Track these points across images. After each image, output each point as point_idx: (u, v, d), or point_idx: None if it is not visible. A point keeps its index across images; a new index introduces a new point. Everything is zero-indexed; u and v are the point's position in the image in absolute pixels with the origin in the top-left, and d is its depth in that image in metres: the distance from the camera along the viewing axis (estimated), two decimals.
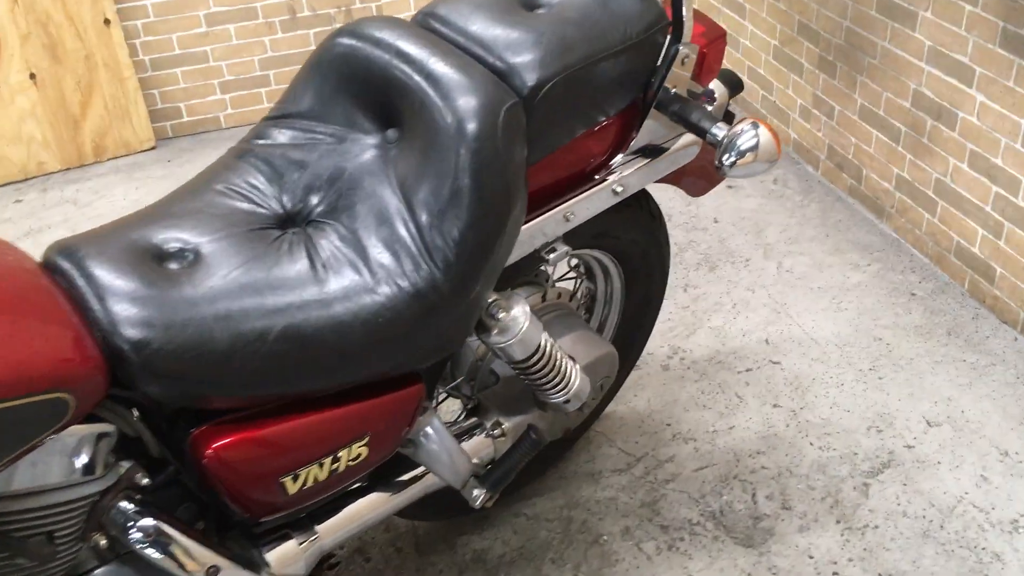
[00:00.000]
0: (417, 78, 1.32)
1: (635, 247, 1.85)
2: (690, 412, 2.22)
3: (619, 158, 1.59)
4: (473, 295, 1.31)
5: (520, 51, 1.38)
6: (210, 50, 3.49)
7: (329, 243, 1.28)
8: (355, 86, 1.38)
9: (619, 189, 1.59)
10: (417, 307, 1.26)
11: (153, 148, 3.53)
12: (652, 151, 1.63)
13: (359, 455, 1.32)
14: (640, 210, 1.79)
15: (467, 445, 1.63)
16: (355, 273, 1.26)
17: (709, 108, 1.83)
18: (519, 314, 1.46)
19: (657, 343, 2.43)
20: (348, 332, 1.23)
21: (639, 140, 1.60)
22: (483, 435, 1.65)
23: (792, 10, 3.02)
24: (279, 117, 1.43)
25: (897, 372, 2.29)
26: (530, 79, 1.36)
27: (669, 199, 2.93)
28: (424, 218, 1.27)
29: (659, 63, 1.54)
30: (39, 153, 3.36)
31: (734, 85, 1.86)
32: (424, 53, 1.34)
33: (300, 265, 1.25)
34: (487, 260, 1.30)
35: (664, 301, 2.48)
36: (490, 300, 1.43)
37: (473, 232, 1.27)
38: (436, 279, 1.26)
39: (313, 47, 3.58)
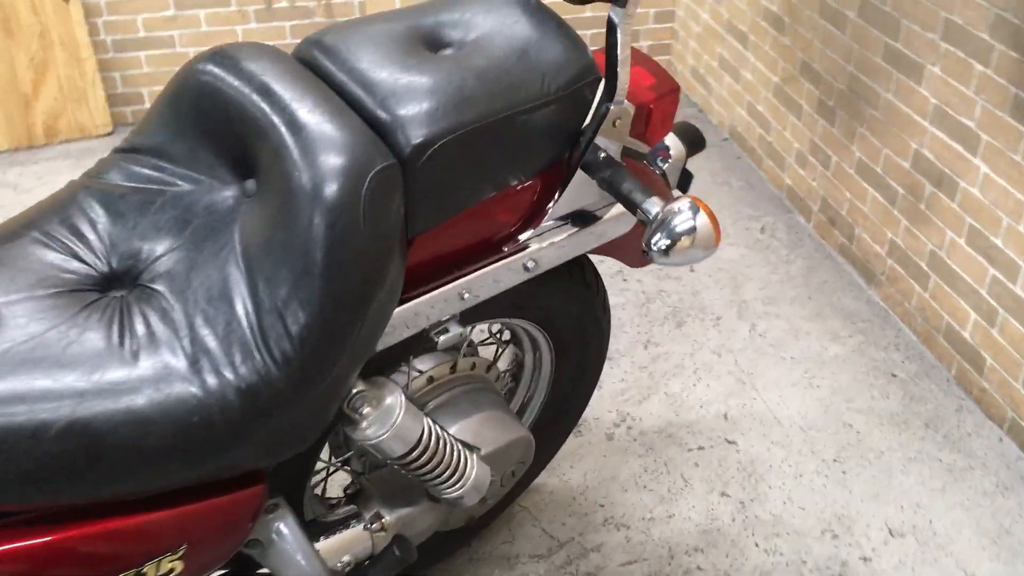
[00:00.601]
0: (277, 122, 1.10)
1: (565, 318, 1.63)
2: (628, 493, 1.99)
3: (539, 226, 1.35)
4: (320, 391, 1.08)
5: (408, 102, 1.15)
6: (177, 35, 3.28)
7: (149, 316, 1.06)
8: (212, 124, 1.16)
9: (531, 264, 1.36)
10: (242, 405, 1.04)
11: (110, 134, 3.32)
12: (581, 219, 1.41)
13: (171, 570, 1.10)
14: (571, 280, 1.56)
15: (338, 539, 1.41)
16: (171, 357, 1.03)
17: (664, 165, 1.61)
18: (390, 407, 1.24)
19: (606, 406, 2.20)
20: (152, 430, 1.01)
21: (566, 205, 1.38)
22: (360, 527, 1.43)
23: (795, 46, 2.77)
24: (129, 150, 1.22)
25: (864, 467, 2.05)
26: (414, 137, 1.13)
27: None
28: (264, 298, 1.05)
29: (587, 122, 1.32)
30: None
31: (695, 142, 1.63)
32: (290, 94, 1.12)
33: (104, 342, 1.03)
34: (339, 351, 1.08)
35: (621, 359, 2.26)
36: (355, 390, 1.21)
37: (321, 321, 1.05)
38: (270, 374, 1.04)
39: (290, 40, 3.37)
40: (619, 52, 1.26)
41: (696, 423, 2.16)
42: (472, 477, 1.42)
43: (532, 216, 1.36)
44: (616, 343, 2.38)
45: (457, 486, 1.41)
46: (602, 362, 1.80)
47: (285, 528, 1.27)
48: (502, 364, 1.82)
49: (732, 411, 2.20)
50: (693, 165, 3.11)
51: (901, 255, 2.42)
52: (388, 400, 1.24)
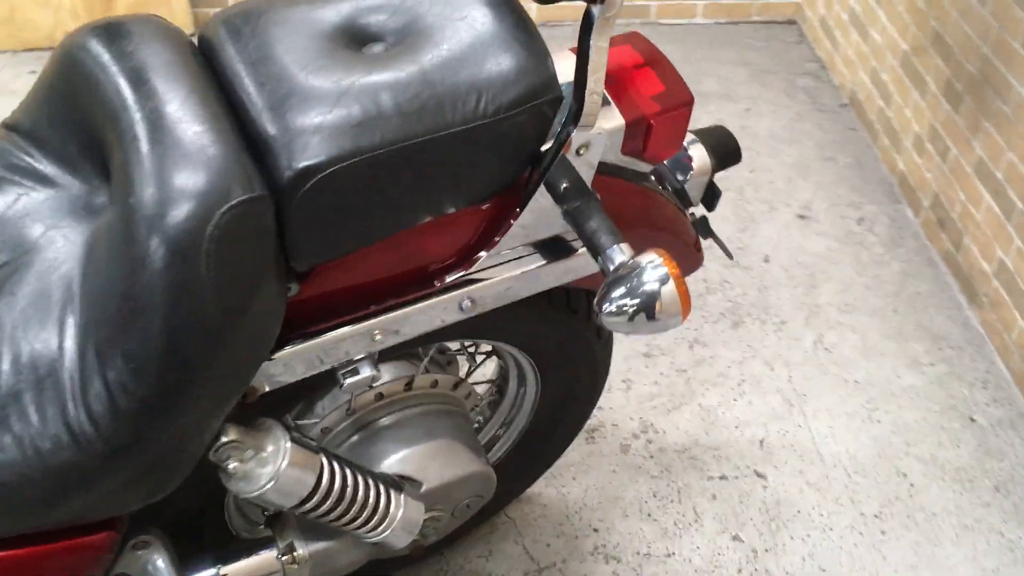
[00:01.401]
0: (135, 121, 0.92)
1: (545, 342, 1.41)
2: (629, 520, 1.79)
3: (481, 259, 1.13)
4: (147, 451, 0.92)
5: (301, 114, 0.94)
6: None
7: None
8: (82, 112, 0.99)
9: (467, 304, 1.14)
10: (50, 467, 0.89)
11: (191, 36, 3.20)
12: (549, 251, 1.18)
13: None
14: (551, 305, 1.34)
15: (246, 564, 1.27)
16: None
17: (684, 179, 1.35)
18: (269, 459, 1.07)
19: (630, 411, 1.98)
20: None
21: (531, 233, 1.15)
22: (272, 555, 1.29)
23: (930, 12, 2.37)
24: (11, 127, 1.06)
25: (909, 528, 1.78)
26: (294, 162, 0.92)
27: (718, 214, 2.42)
28: (89, 341, 0.89)
29: (549, 146, 1.07)
30: (67, 22, 3.10)
31: (726, 153, 1.36)
32: (163, 87, 0.93)
33: None
34: (177, 406, 0.91)
35: (660, 358, 2.03)
36: (224, 439, 1.04)
37: (149, 375, 0.88)
38: (86, 433, 0.88)
39: None
40: (591, 61, 1.01)
41: (726, 446, 1.92)
42: (397, 519, 1.26)
43: (478, 247, 1.13)
44: (659, 338, 2.14)
45: (378, 530, 1.25)
46: (598, 391, 1.58)
47: (157, 565, 1.14)
48: (486, 378, 1.63)
49: (770, 437, 1.94)
50: (796, 130, 2.77)
51: (1008, 278, 2.06)
52: (268, 450, 1.07)
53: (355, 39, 1.04)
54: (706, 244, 1.43)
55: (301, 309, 1.05)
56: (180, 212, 0.86)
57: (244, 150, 0.92)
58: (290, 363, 1.06)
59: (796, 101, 2.92)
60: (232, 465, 1.04)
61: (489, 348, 1.52)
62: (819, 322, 2.20)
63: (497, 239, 1.12)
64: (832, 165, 2.67)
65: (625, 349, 2.11)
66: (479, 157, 1.01)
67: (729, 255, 1.44)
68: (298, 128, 0.93)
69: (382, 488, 1.24)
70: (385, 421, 1.35)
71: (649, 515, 1.80)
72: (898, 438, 1.95)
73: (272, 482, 1.07)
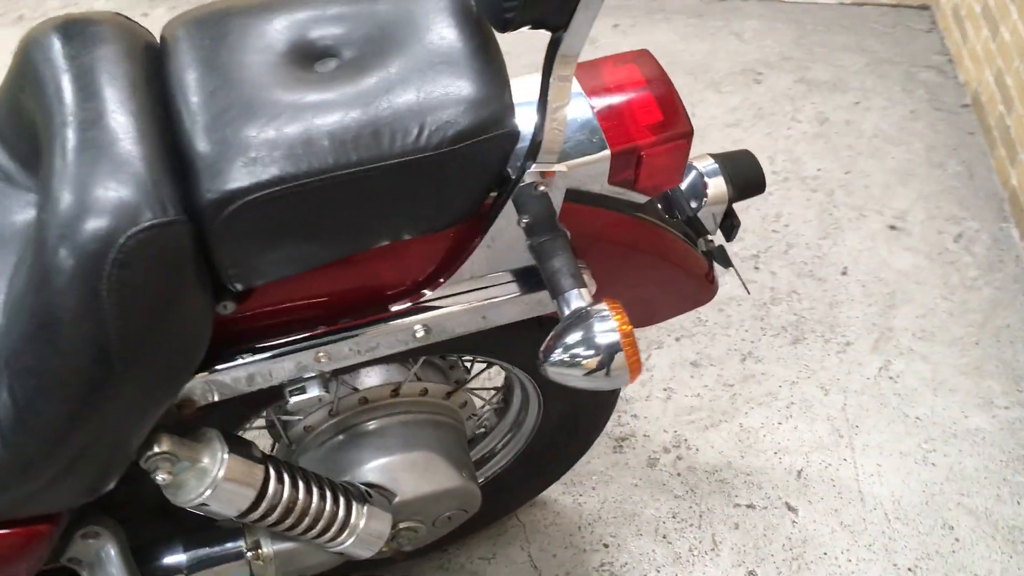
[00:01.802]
0: (66, 124, 0.91)
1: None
2: (642, 539, 1.73)
3: (441, 285, 1.08)
4: (67, 460, 0.93)
5: (231, 135, 0.91)
6: None
7: None
8: (31, 110, 0.99)
9: (420, 333, 1.10)
10: None
11: None
12: (523, 281, 1.12)
13: None
14: (542, 330, 1.27)
15: (209, 552, 1.28)
16: None
17: (696, 205, 1.26)
18: (205, 471, 1.06)
19: (664, 423, 1.91)
20: None
21: (498, 263, 1.09)
22: (240, 548, 1.30)
23: None
24: None
25: None
26: (214, 187, 0.89)
27: (798, 215, 2.28)
28: (1, 351, 0.89)
29: (510, 179, 1.01)
30: None
31: (747, 185, 1.26)
32: (99, 91, 0.92)
33: None
34: (83, 422, 0.91)
35: (708, 368, 1.94)
36: (156, 449, 1.03)
37: (51, 393, 0.88)
38: None
39: None
40: (550, 93, 0.93)
41: (760, 473, 1.83)
42: (359, 530, 1.24)
43: (436, 274, 1.08)
44: (711, 346, 2.04)
45: (336, 540, 1.23)
46: (605, 417, 1.52)
47: (108, 553, 1.16)
48: (491, 385, 1.58)
49: (810, 468, 1.83)
50: (907, 130, 2.56)
51: None
52: (204, 462, 1.07)
53: (309, 53, 0.99)
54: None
55: (243, 325, 1.03)
56: (86, 233, 0.84)
57: (168, 169, 0.89)
58: (230, 379, 1.05)
59: (913, 97, 2.70)
60: (160, 476, 1.03)
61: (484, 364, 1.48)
62: (889, 347, 2.05)
63: (455, 268, 1.07)
64: (939, 172, 2.47)
65: (672, 355, 2.02)
66: (422, 189, 0.96)
67: (747, 289, 1.34)
68: (226, 148, 0.90)
69: (341, 500, 1.22)
70: (368, 426, 1.33)
71: (664, 537, 1.73)
72: (951, 486, 1.80)
73: (207, 493, 1.06)
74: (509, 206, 1.01)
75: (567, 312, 0.98)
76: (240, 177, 0.88)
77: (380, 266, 1.05)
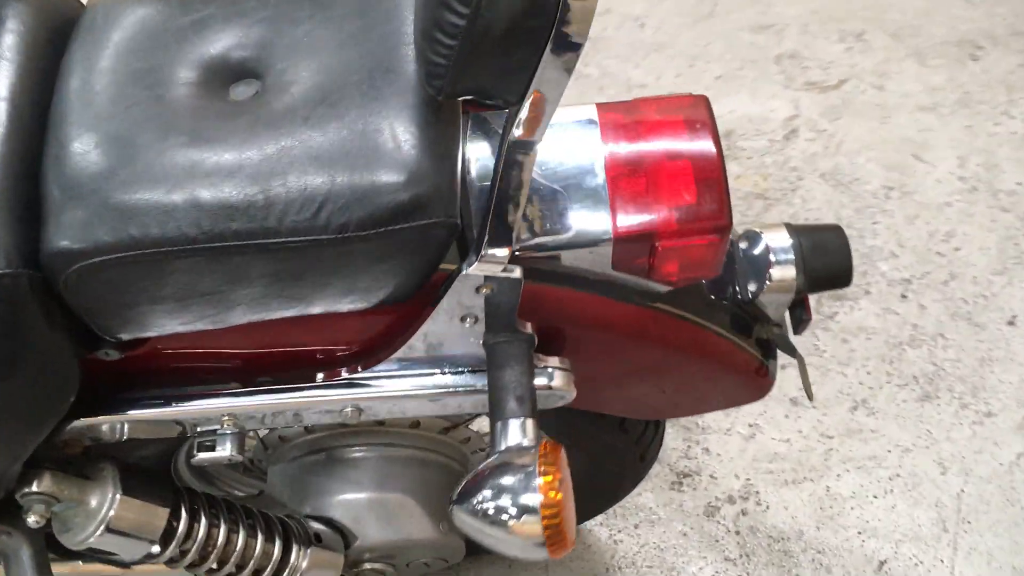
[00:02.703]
0: None
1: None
2: None
3: (380, 362, 0.88)
4: None
5: (88, 177, 0.73)
6: None
7: None
8: None
9: (349, 411, 0.91)
10: None
11: None
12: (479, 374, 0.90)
13: None
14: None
15: None
16: None
17: (754, 289, 1.00)
18: (93, 514, 0.94)
19: (738, 466, 1.66)
20: None
21: (443, 352, 0.88)
22: None
23: None
24: None
25: None
26: (54, 242, 0.72)
27: (968, 234, 1.90)
28: None
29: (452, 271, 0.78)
30: None
31: (825, 277, 0.98)
32: None
33: None
34: None
35: (806, 412, 1.68)
36: (34, 489, 0.91)
37: None
38: None
39: None
40: (501, 180, 0.70)
41: (834, 553, 1.56)
42: (299, 573, 1.10)
43: (373, 350, 0.88)
44: (819, 384, 1.74)
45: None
46: (620, 496, 1.30)
47: (20, 554, 1.07)
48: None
49: (896, 563, 1.55)
50: None
51: None
52: (92, 504, 0.94)
53: (228, 70, 0.79)
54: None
55: (137, 368, 0.88)
56: None
57: (19, 209, 0.73)
58: (107, 428, 0.90)
59: None
60: (31, 519, 0.92)
61: None
62: None
63: (396, 347, 0.86)
64: None
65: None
66: (322, 272, 0.75)
67: (810, 395, 1.07)
68: (82, 195, 0.73)
69: (278, 541, 1.08)
70: (345, 453, 1.17)
71: None
72: None
73: (92, 538, 0.94)
74: (447, 301, 0.79)
75: (500, 447, 0.76)
76: (84, 237, 0.72)
77: (303, 331, 0.86)
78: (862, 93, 2.23)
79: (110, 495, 0.94)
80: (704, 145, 0.83)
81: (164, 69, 0.78)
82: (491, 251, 0.74)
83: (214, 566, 1.04)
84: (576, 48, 0.64)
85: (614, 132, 0.85)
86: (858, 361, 1.78)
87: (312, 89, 0.76)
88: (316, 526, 1.14)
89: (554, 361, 0.87)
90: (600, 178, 0.83)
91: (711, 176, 0.82)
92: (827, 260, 0.97)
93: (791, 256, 0.96)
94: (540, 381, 0.86)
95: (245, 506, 1.08)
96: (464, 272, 0.76)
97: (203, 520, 1.02)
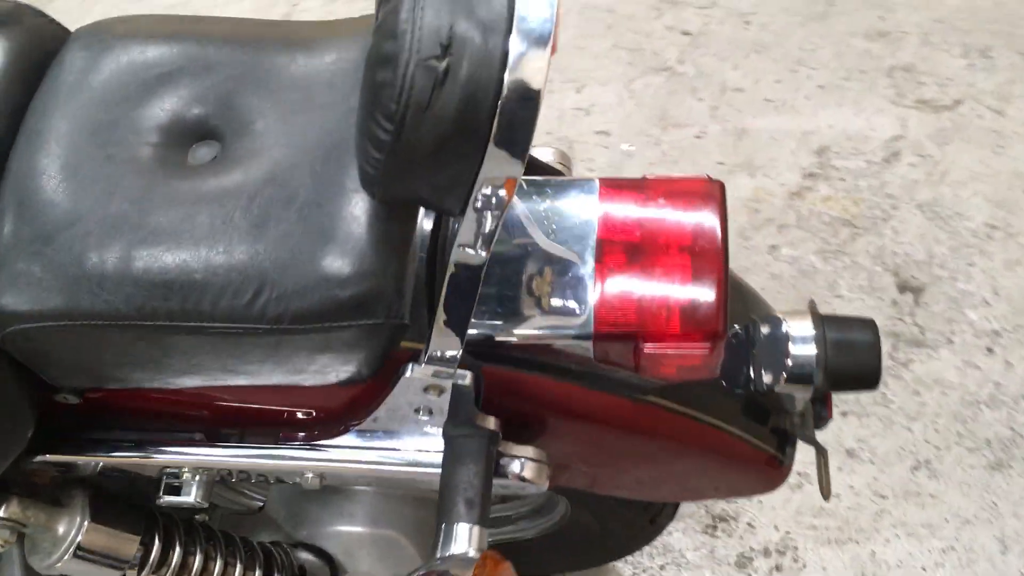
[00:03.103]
0: None
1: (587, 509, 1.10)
2: None
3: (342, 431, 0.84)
4: None
5: (27, 235, 0.71)
6: None
7: None
8: None
9: (310, 478, 0.87)
10: None
11: None
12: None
13: None
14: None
15: None
16: None
17: (769, 380, 0.92)
18: (58, 539, 0.93)
19: (779, 517, 1.57)
20: None
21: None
22: None
23: None
24: None
25: None
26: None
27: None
28: None
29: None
30: None
31: (847, 379, 0.90)
32: None
33: None
34: None
35: (860, 467, 1.59)
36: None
37: None
38: None
39: None
40: (444, 287, 0.64)
41: None
42: None
43: (335, 421, 0.84)
44: (881, 437, 1.63)
45: None
46: (634, 548, 1.24)
47: (10, 553, 1.09)
48: None
49: None
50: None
51: None
52: (60, 532, 0.93)
53: (192, 128, 0.75)
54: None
55: (100, 410, 0.86)
56: None
57: None
58: (78, 462, 0.90)
59: None
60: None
61: None
62: None
63: (359, 419, 0.82)
64: None
65: (827, 433, 1.64)
66: (259, 357, 0.71)
67: (825, 495, 0.98)
68: (16, 254, 0.70)
69: (258, 572, 1.07)
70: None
71: None
72: None
73: (59, 564, 0.94)
74: (396, 396, 0.74)
75: (442, 552, 0.72)
76: (20, 298, 0.69)
77: (268, 393, 0.83)
78: (978, 117, 2.05)
79: (78, 521, 0.94)
80: (709, 241, 0.75)
81: (127, 123, 0.74)
82: (438, 354, 0.69)
83: None
84: (518, 159, 0.58)
85: (613, 214, 0.77)
86: (928, 416, 1.66)
87: (267, 162, 0.71)
88: (304, 556, 1.12)
89: (527, 451, 0.82)
90: (589, 265, 0.76)
91: (710, 277, 0.75)
92: (852, 359, 0.87)
93: (812, 350, 0.87)
94: (513, 469, 0.81)
95: (227, 533, 1.06)
96: (406, 376, 0.71)
97: (177, 547, 1.00)
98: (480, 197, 0.60)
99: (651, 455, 0.90)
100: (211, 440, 0.87)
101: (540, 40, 0.56)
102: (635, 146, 2.08)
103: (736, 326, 0.90)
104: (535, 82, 0.57)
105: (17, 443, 0.84)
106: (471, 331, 0.73)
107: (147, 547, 0.99)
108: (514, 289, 0.76)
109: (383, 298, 0.68)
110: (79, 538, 0.94)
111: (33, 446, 0.85)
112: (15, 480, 0.89)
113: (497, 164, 0.57)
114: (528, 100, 0.57)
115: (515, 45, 0.57)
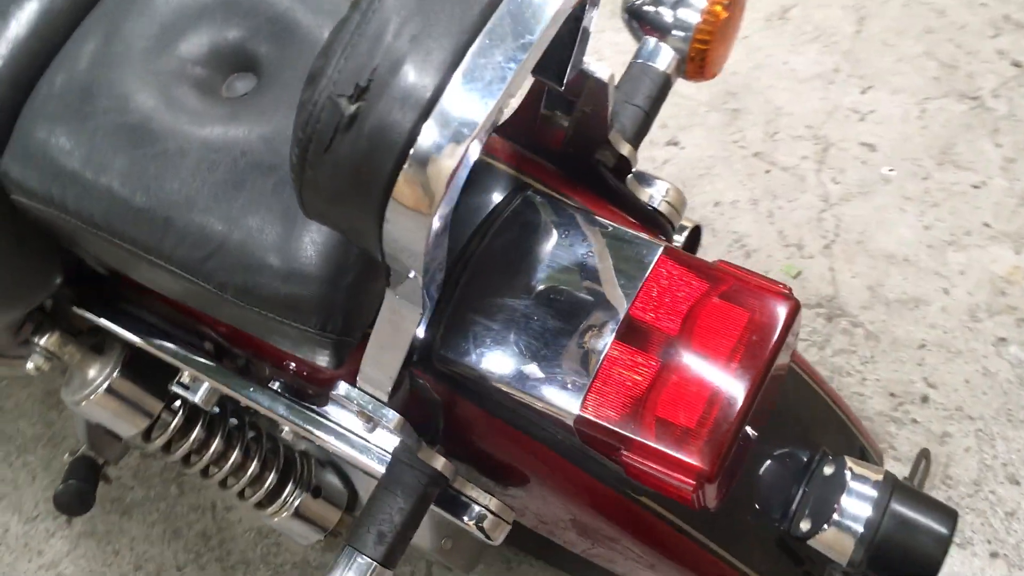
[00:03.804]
0: None
1: None
2: None
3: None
4: None
5: (45, 121, 0.73)
6: None
7: None
8: None
9: (287, 431, 0.84)
10: None
11: None
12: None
13: None
14: None
15: None
16: None
17: (804, 533, 0.80)
18: (87, 381, 0.97)
19: None
20: None
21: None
22: None
23: None
24: None
25: None
26: (3, 162, 0.71)
27: None
28: None
29: None
30: None
31: (892, 566, 0.76)
32: None
33: None
34: None
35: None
36: (35, 340, 0.95)
37: None
38: None
39: None
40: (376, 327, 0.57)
41: None
42: (290, 510, 1.09)
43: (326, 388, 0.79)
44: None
45: (269, 511, 1.10)
46: None
47: None
48: None
49: None
50: None
51: None
52: (90, 375, 0.97)
53: (231, 57, 0.69)
54: None
55: (129, 289, 0.87)
56: None
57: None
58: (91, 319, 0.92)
59: None
60: (29, 364, 0.96)
61: None
62: None
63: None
64: None
65: (968, 566, 1.43)
66: (216, 311, 0.67)
67: None
68: (38, 132, 0.72)
69: (273, 474, 1.07)
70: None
71: None
72: None
73: (83, 403, 0.98)
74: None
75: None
76: (24, 172, 0.70)
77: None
78: None
79: (108, 371, 0.97)
80: (742, 376, 0.62)
81: (175, 42, 0.71)
82: (368, 386, 0.62)
83: (202, 467, 1.05)
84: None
85: (658, 292, 0.65)
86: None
87: (275, 119, 0.65)
88: (327, 477, 1.11)
89: (491, 502, 0.74)
90: (607, 338, 0.65)
91: (723, 418, 0.61)
92: (906, 548, 0.72)
93: (856, 524, 0.72)
94: (470, 515, 0.74)
95: (258, 427, 1.07)
96: (335, 393, 0.64)
97: (199, 428, 1.02)
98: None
99: (623, 551, 0.79)
100: (219, 354, 0.86)
101: (456, 136, 0.47)
102: (897, 172, 1.83)
103: (801, 452, 0.76)
104: (437, 179, 0.48)
105: (42, 287, 0.86)
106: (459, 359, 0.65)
107: (168, 417, 1.01)
108: (522, 329, 0.67)
109: (321, 308, 0.61)
110: (103, 386, 0.97)
111: (73, 297, 0.88)
112: (61, 319, 0.93)
113: (401, 231, 0.48)
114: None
115: (429, 131, 0.48)
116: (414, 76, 0.47)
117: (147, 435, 1.02)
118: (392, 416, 0.66)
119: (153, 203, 0.66)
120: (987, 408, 1.56)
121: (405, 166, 0.47)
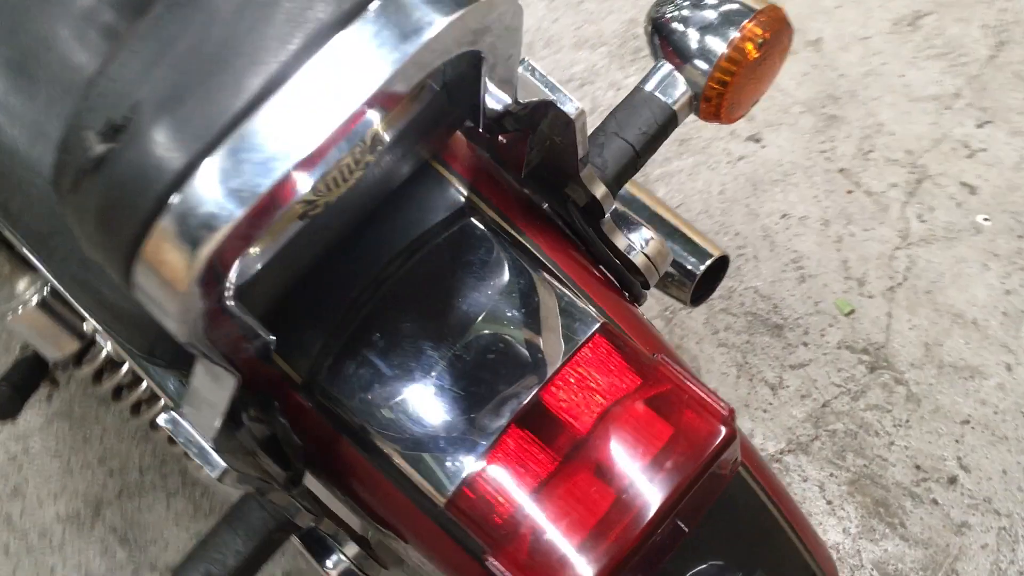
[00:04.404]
0: None
1: None
2: None
3: None
4: None
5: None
6: None
7: None
8: None
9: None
10: None
11: None
12: None
13: None
14: None
15: None
16: None
17: None
18: (8, 296, 0.90)
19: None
20: None
21: None
22: None
23: None
24: None
25: None
26: None
27: None
28: None
29: None
30: None
31: None
32: None
33: None
34: None
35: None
36: None
37: None
38: None
39: None
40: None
41: None
42: None
43: None
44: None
45: None
46: None
47: None
48: None
49: None
50: None
51: None
52: (19, 288, 0.90)
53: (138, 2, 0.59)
54: None
55: None
56: None
57: None
58: None
59: None
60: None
61: None
62: None
63: None
64: None
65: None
66: None
67: None
68: None
69: None
70: None
71: None
72: None
73: (7, 318, 0.92)
74: None
75: None
76: None
77: None
78: None
79: (37, 286, 0.91)
80: (643, 506, 0.51)
81: None
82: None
83: (132, 405, 1.00)
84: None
85: (573, 379, 0.55)
86: None
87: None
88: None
89: (354, 552, 0.65)
90: (501, 423, 0.55)
91: (610, 548, 0.51)
92: None
93: None
94: (332, 562, 0.66)
95: None
96: (160, 422, 0.55)
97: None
98: None
99: None
100: None
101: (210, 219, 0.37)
102: (993, 223, 1.65)
103: (731, 572, 0.66)
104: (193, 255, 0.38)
105: None
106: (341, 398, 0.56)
107: (102, 342, 0.95)
108: (418, 382, 0.57)
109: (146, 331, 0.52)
110: (31, 300, 0.91)
111: None
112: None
113: (154, 304, 0.39)
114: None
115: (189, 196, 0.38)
116: (177, 129, 0.37)
117: (78, 360, 0.96)
118: (218, 465, 0.57)
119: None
120: (1019, 506, 1.41)
121: (156, 229, 0.37)
